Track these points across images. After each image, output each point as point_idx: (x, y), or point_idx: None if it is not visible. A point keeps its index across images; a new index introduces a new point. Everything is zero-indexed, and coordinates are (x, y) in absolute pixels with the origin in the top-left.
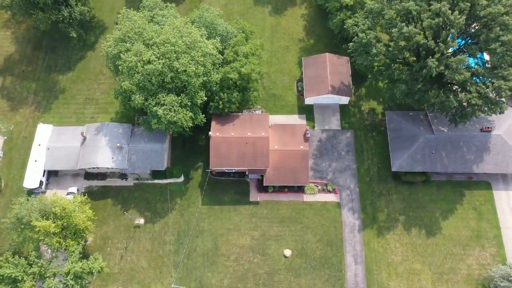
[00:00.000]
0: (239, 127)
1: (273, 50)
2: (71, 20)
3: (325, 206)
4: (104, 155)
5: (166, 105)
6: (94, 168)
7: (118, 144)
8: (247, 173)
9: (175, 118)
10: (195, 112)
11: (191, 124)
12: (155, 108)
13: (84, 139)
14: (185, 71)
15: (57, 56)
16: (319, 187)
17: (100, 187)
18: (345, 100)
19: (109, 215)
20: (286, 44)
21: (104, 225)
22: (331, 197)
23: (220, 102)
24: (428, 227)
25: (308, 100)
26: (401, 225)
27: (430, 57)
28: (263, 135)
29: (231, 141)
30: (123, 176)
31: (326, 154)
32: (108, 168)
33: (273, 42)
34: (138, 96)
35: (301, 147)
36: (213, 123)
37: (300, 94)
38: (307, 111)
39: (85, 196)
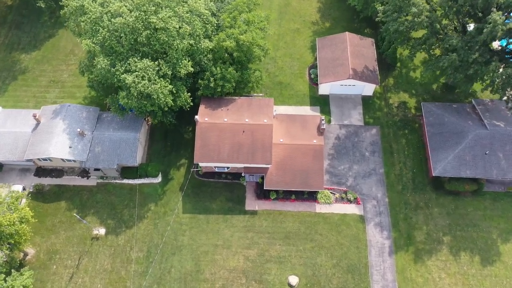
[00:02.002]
0: (234, 112)
1: (280, 33)
2: None
3: (344, 220)
4: (59, 144)
5: (138, 72)
6: (46, 160)
7: (78, 130)
8: (243, 174)
9: (149, 89)
10: (177, 88)
11: (171, 103)
12: (123, 76)
13: (37, 123)
14: (165, 29)
15: (22, 33)
16: (337, 195)
17: (53, 186)
18: (369, 89)
19: (60, 223)
20: (297, 27)
21: (52, 235)
22: (352, 209)
23: (212, 79)
24: (484, 252)
25: (323, 89)
26: (446, 249)
27: (495, 9)
28: (265, 122)
29: (223, 129)
30: (84, 173)
31: (346, 155)
32: (64, 160)
33: (281, 25)
34: (102, 59)
35: (314, 141)
36: (201, 107)
37: (313, 83)
38: (322, 103)
39: (26, 192)
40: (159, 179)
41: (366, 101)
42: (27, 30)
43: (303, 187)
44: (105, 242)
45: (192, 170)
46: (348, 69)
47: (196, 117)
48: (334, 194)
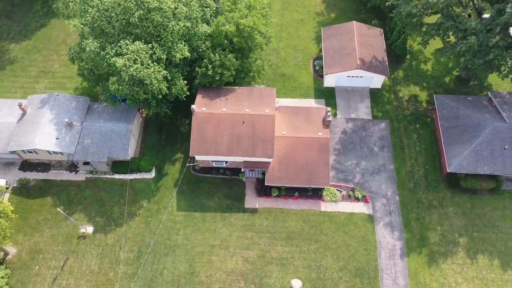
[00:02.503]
0: (233, 102)
1: (283, 24)
2: None
3: (351, 219)
4: (45, 135)
5: (130, 55)
6: (32, 152)
7: (66, 120)
8: (242, 170)
9: (141, 73)
10: (173, 75)
11: (165, 90)
12: (113, 59)
13: (23, 114)
14: (159, 9)
15: (12, 22)
16: (343, 193)
17: (39, 181)
18: (377, 81)
19: (45, 220)
20: (301, 17)
21: (36, 233)
22: (360, 207)
23: (210, 67)
24: (504, 255)
25: (329, 81)
26: (462, 251)
27: None
28: (266, 113)
29: (221, 120)
30: (72, 167)
31: (353, 150)
32: (50, 152)
33: (284, 15)
34: (91, 41)
35: (320, 134)
36: (198, 96)
37: (318, 75)
38: (327, 95)
39: (6, 186)
40: (152, 174)
41: (374, 94)
42: (18, 19)
43: (308, 183)
44: (93, 241)
45: (188, 165)
46: (356, 59)
47: (193, 106)
48: (341, 191)
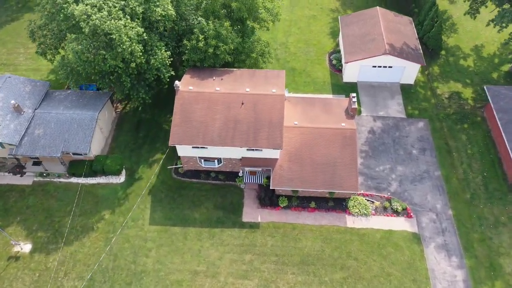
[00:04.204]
0: (231, 82)
1: (293, 20)
2: None
3: (390, 239)
4: None
5: (94, 0)
6: None
7: (13, 102)
8: (240, 174)
9: (107, 24)
10: (152, 44)
11: (139, 52)
12: (72, 7)
13: None
14: None
15: None
16: (376, 204)
17: None
18: (410, 74)
19: None
20: (313, 14)
21: None
22: (400, 223)
23: (201, 37)
24: None
25: (349, 74)
26: None
27: None
28: (273, 92)
29: (213, 100)
30: (18, 169)
31: (385, 152)
32: None
33: (293, 11)
34: None
35: (343, 124)
36: (185, 76)
37: (335, 69)
38: (348, 92)
39: None
40: (121, 178)
41: (406, 90)
42: None
43: (328, 187)
44: (28, 263)
45: (169, 167)
46: (383, 44)
47: (177, 82)
48: (373, 202)
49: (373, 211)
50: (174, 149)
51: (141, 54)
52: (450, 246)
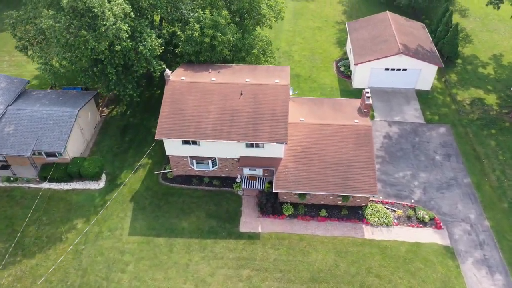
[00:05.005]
0: (228, 74)
1: (296, 30)
2: None
3: (418, 253)
4: None
5: None
6: None
7: None
8: (238, 179)
9: None
10: (142, 30)
11: (125, 33)
12: None
13: None
14: None
15: None
16: (398, 213)
17: None
18: (426, 79)
19: None
20: (317, 25)
21: None
22: (429, 235)
23: (197, 26)
24: None
25: (360, 78)
26: None
27: None
28: (276, 83)
29: (208, 90)
30: None
31: (404, 158)
32: None
33: (297, 23)
34: None
35: (356, 121)
36: (178, 70)
37: (344, 76)
38: (358, 98)
39: None
40: (100, 183)
41: (423, 96)
42: None
43: (341, 189)
44: None
45: (156, 173)
46: (396, 44)
47: (167, 71)
48: (394, 210)
49: (395, 221)
50: (163, 153)
51: (127, 35)
52: (492, 261)
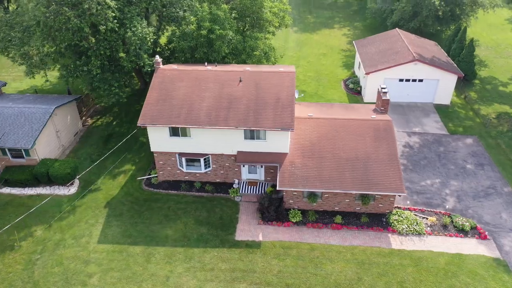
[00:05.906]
0: (227, 67)
1: (301, 56)
2: None
3: (462, 266)
4: None
5: None
6: None
7: None
8: (235, 185)
9: None
10: (130, 13)
11: (112, 17)
12: None
13: None
14: None
15: None
16: (431, 220)
17: None
18: (445, 92)
19: None
20: (323, 52)
21: None
22: (473, 246)
23: (193, 19)
24: None
25: (371, 91)
26: None
27: None
28: (281, 70)
29: (203, 78)
30: None
31: (429, 166)
32: None
33: (301, 50)
34: None
35: (373, 116)
36: (171, 64)
37: (353, 92)
38: None
39: None
40: (71, 188)
41: (442, 110)
42: None
43: (361, 187)
44: None
45: (139, 178)
46: (410, 53)
47: (157, 58)
48: (426, 218)
49: (427, 229)
50: (148, 160)
51: (114, 15)
52: None
